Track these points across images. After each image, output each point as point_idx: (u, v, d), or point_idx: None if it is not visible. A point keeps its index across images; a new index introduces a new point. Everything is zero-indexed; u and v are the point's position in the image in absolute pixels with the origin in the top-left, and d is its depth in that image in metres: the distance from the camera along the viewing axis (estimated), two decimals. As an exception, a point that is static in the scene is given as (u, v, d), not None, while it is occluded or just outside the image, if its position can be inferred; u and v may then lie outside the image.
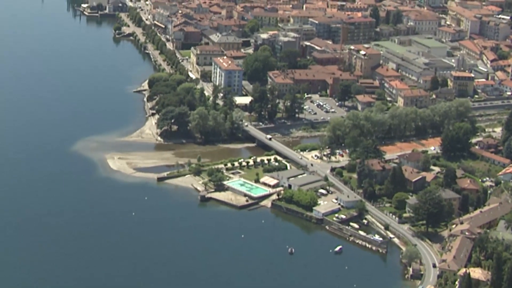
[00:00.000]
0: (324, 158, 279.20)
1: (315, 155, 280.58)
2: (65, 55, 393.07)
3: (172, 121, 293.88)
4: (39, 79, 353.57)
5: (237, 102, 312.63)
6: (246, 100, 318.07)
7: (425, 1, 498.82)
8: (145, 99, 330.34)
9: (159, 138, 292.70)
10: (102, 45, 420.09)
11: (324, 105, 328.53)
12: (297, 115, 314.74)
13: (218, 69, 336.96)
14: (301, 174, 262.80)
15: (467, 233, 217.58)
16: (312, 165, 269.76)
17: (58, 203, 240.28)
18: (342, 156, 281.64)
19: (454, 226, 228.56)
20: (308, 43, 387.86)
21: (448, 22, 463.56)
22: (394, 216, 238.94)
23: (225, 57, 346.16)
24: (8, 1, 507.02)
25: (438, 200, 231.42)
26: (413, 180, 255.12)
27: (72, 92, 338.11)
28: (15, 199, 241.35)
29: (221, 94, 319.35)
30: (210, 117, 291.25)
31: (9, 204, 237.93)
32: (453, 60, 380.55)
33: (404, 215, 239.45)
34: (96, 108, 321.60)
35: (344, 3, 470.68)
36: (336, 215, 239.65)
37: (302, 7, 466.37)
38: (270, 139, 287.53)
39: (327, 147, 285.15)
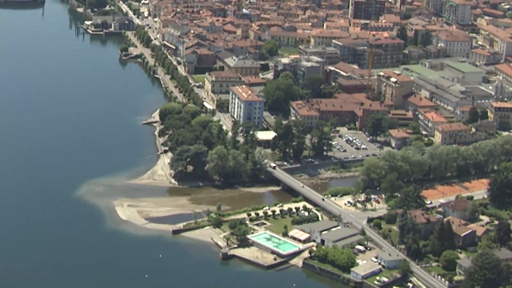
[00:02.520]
0: (359, 205, 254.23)
1: (348, 202, 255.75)
2: (66, 80, 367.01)
3: (188, 160, 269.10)
4: (35, 108, 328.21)
5: (259, 138, 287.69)
6: (269, 135, 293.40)
7: (453, 19, 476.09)
8: (156, 133, 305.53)
9: (173, 180, 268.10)
10: (107, 68, 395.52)
11: (354, 141, 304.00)
12: (325, 153, 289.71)
13: (237, 100, 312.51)
14: (335, 227, 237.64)
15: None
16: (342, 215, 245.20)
17: (60, 261, 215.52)
18: (378, 202, 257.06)
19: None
20: (332, 68, 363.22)
21: (480, 43, 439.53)
22: (443, 280, 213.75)
23: (243, 86, 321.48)
24: (6, 17, 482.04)
25: (496, 264, 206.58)
26: (462, 235, 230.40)
27: (74, 124, 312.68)
28: (11, 256, 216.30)
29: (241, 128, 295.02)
30: (230, 157, 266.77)
31: (4, 263, 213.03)
32: (490, 87, 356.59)
33: (455, 277, 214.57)
34: (102, 143, 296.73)
35: (368, 21, 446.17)
36: (378, 277, 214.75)
37: (323, 25, 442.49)
38: (303, 186, 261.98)
39: (361, 191, 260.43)
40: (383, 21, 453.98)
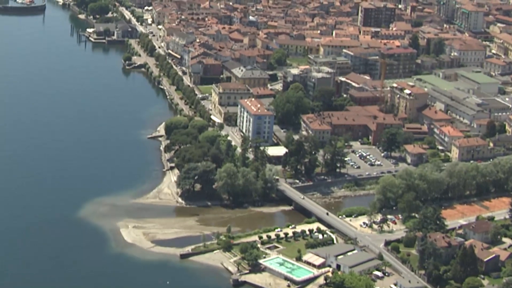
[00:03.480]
0: (375, 226, 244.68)
1: (364, 223, 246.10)
2: (68, 91, 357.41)
3: (195, 178, 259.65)
4: (35, 119, 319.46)
5: (269, 154, 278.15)
6: (280, 151, 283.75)
7: (465, 26, 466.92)
8: (161, 148, 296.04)
9: (180, 199, 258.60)
10: (110, 77, 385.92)
11: (368, 157, 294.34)
12: (338, 170, 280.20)
13: (246, 113, 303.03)
14: (351, 250, 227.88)
15: None
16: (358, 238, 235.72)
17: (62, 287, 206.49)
18: (395, 223, 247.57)
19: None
20: (343, 79, 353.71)
21: (494, 51, 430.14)
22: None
23: (252, 99, 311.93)
24: (6, 24, 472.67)
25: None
26: (485, 260, 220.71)
27: (76, 139, 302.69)
28: (10, 281, 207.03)
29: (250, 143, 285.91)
30: (240, 174, 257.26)
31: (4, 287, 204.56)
32: (507, 99, 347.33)
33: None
34: (106, 158, 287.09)
35: (378, 29, 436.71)
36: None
37: (332, 33, 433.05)
38: (327, 213, 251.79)
39: (376, 211, 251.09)
40: (394, 29, 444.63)
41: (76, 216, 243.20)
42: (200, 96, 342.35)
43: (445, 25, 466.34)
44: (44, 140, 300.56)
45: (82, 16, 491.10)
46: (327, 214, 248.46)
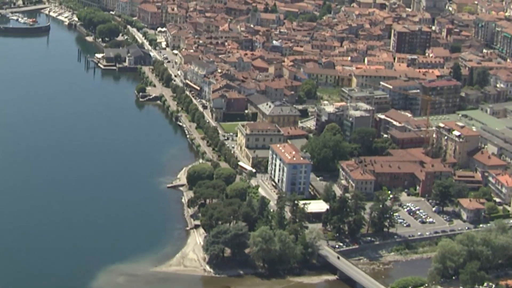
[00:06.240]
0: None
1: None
2: (74, 127, 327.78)
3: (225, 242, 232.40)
4: (36, 165, 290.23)
5: (308, 210, 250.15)
6: (320, 206, 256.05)
7: (507, 52, 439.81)
8: (184, 200, 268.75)
9: (207, 267, 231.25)
10: (122, 111, 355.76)
11: (418, 212, 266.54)
12: (386, 229, 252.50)
13: (278, 161, 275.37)
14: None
15: None
16: None
17: None
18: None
19: None
20: (383, 117, 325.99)
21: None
22: None
23: (286, 144, 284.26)
24: (6, 46, 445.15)
25: None
26: None
27: (86, 190, 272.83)
28: None
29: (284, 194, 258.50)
30: (276, 239, 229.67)
31: None
32: None
33: None
34: (120, 215, 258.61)
35: (415, 56, 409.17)
36: None
37: (363, 60, 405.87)
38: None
39: (436, 283, 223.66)
40: (431, 55, 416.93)
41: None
42: (224, 137, 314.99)
43: (484, 50, 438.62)
44: (49, 190, 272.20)
45: (90, 39, 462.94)
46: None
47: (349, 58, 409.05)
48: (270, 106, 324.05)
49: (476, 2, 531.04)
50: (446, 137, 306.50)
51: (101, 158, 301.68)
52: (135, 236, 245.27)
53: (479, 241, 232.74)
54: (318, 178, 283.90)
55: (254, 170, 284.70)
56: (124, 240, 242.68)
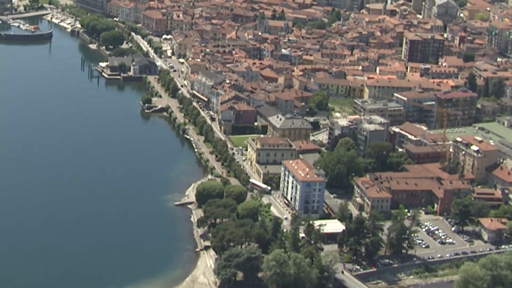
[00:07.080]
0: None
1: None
2: (78, 140, 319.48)
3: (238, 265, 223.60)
4: (38, 181, 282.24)
5: (323, 230, 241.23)
6: (336, 227, 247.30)
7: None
8: (193, 220, 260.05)
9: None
10: (127, 123, 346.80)
11: (437, 232, 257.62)
12: (405, 251, 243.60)
13: (291, 178, 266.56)
14: None
15: None
16: None
17: None
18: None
19: None
20: (397, 130, 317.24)
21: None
22: None
23: (299, 161, 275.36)
24: (7, 54, 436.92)
25: None
26: None
27: (88, 206, 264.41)
28: None
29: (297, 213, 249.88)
30: (291, 262, 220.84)
31: None
32: None
33: None
34: (127, 234, 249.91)
35: (428, 66, 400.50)
36: None
37: (375, 69, 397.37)
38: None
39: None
40: (445, 64, 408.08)
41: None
42: (233, 150, 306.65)
43: (498, 59, 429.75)
44: (50, 212, 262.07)
45: (93, 46, 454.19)
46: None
47: (360, 67, 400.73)
48: (280, 119, 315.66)
49: (488, 9, 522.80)
50: (463, 152, 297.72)
51: (105, 173, 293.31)
52: (143, 258, 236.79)
53: (503, 265, 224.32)
54: (332, 196, 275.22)
55: (269, 188, 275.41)
56: (132, 263, 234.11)
